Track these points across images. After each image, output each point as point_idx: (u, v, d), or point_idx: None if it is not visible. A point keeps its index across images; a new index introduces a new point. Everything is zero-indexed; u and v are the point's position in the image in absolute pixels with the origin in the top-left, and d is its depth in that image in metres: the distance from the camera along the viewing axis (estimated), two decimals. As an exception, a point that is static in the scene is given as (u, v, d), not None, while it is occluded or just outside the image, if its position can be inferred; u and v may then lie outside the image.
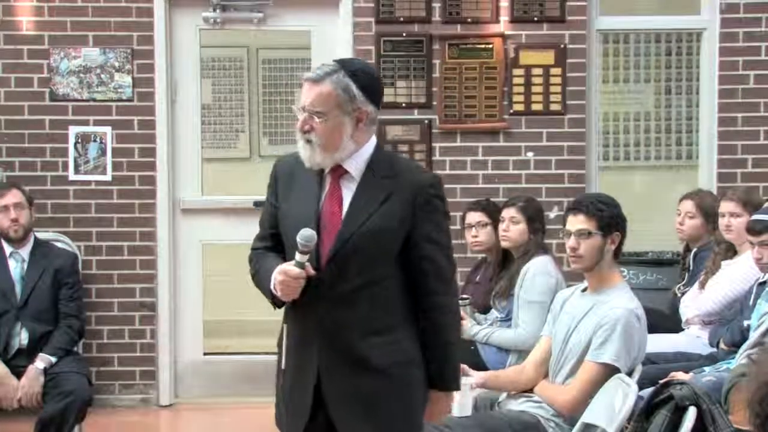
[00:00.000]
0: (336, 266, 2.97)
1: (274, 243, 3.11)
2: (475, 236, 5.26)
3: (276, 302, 3.04)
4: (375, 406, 3.01)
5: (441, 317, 3.06)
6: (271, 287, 2.98)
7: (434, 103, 6.14)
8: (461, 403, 3.84)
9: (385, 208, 3.00)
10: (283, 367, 3.06)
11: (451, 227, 5.52)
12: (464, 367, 3.96)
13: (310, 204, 3.02)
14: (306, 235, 2.90)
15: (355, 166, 3.03)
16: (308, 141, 2.99)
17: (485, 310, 5.24)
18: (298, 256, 2.92)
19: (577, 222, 3.97)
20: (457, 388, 3.18)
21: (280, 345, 3.11)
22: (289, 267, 2.93)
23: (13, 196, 5.28)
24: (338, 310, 2.98)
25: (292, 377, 3.06)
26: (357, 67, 3.06)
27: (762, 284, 4.69)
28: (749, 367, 2.00)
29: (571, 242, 3.97)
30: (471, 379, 3.98)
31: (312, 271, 2.94)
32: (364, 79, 3.01)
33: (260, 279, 3.07)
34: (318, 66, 3.06)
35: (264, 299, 3.11)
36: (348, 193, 3.02)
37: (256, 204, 6.33)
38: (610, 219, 3.96)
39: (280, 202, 3.09)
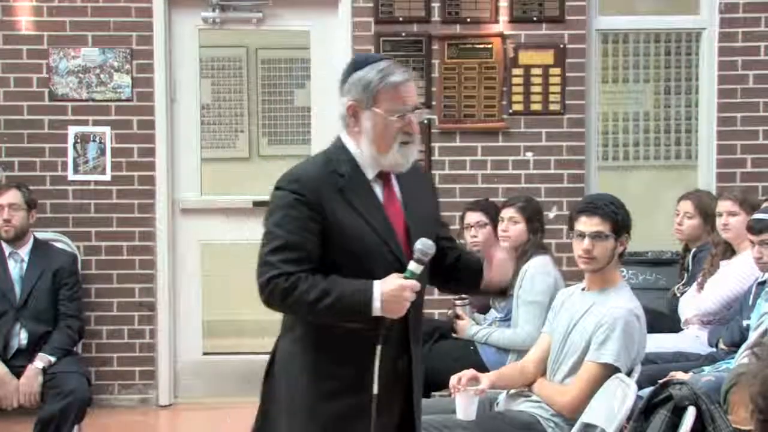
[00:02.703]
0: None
1: (315, 265, 2.88)
2: (474, 236, 5.25)
3: (367, 323, 2.86)
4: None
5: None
6: (376, 307, 2.82)
7: (433, 103, 6.14)
8: (466, 408, 3.83)
9: (427, 200, 3.11)
10: (375, 391, 2.88)
11: (450, 227, 5.56)
12: (475, 373, 3.96)
13: (377, 212, 2.94)
14: (429, 244, 2.86)
15: None
16: (413, 142, 2.98)
17: (484, 310, 5.24)
18: (414, 267, 2.86)
19: (592, 224, 3.95)
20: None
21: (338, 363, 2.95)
22: (409, 281, 2.84)
23: (11, 197, 5.28)
24: (417, 319, 3.01)
25: (383, 398, 2.92)
26: None
27: (761, 284, 4.70)
28: (752, 363, 2.00)
29: (585, 244, 3.95)
30: (477, 385, 3.96)
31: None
32: None
33: (343, 303, 2.83)
34: (388, 66, 2.98)
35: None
36: (398, 192, 3.02)
37: (256, 204, 6.35)
38: (623, 221, 3.97)
39: (329, 219, 2.89)
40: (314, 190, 2.90)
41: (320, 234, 2.88)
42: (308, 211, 2.88)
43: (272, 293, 2.89)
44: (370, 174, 2.98)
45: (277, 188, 2.96)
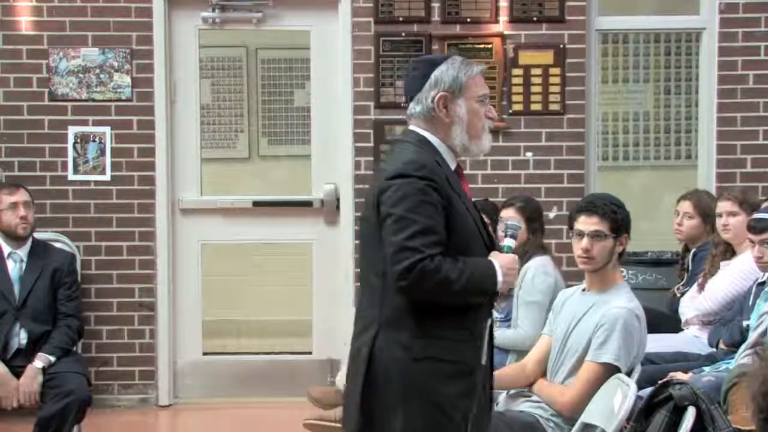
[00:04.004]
0: None
1: (445, 248, 3.01)
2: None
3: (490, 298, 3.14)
4: None
5: None
6: (499, 280, 3.06)
7: (433, 103, 6.12)
8: None
9: None
10: (483, 362, 3.11)
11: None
12: None
13: (468, 199, 3.15)
14: (516, 218, 3.27)
15: None
16: (491, 127, 3.21)
17: (484, 310, 5.23)
18: (510, 242, 3.20)
19: (591, 223, 3.96)
20: None
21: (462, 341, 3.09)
22: (513, 255, 3.15)
23: (23, 195, 5.31)
24: None
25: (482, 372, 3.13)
26: None
27: (761, 284, 4.70)
28: (754, 363, 2.00)
29: (584, 243, 3.95)
30: None
31: None
32: None
33: (476, 279, 3.03)
34: (464, 59, 3.20)
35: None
36: None
37: (256, 204, 6.35)
38: (622, 221, 3.97)
39: (448, 203, 3.05)
40: (438, 176, 3.04)
41: (446, 217, 3.03)
42: (437, 196, 3.01)
43: (420, 276, 2.94)
44: (452, 165, 3.15)
45: (399, 176, 3.02)
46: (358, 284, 6.06)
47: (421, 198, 2.98)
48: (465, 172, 6.09)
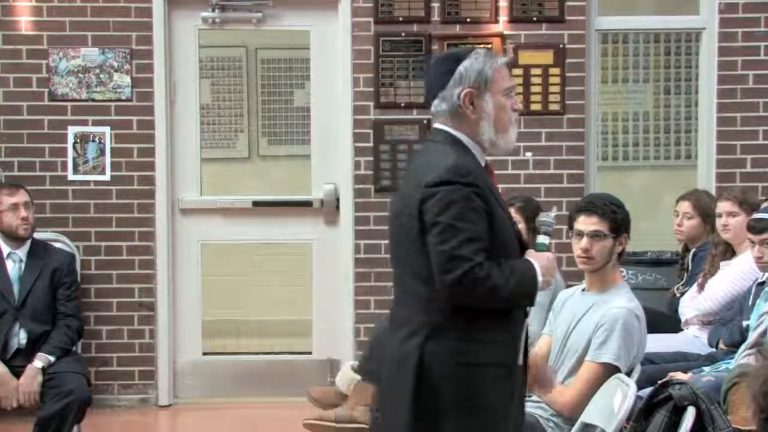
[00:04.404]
0: None
1: (489, 252, 3.01)
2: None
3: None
4: None
5: None
6: (539, 281, 3.05)
7: (433, 103, 6.12)
8: None
9: None
10: (520, 362, 3.10)
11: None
12: None
13: (502, 199, 3.13)
14: (550, 215, 3.27)
15: None
16: (518, 120, 3.20)
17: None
18: (544, 239, 3.20)
19: (590, 223, 3.96)
20: None
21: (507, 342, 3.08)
22: (549, 253, 3.15)
23: (24, 195, 5.30)
24: None
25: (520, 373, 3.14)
26: None
27: (761, 284, 4.70)
28: (756, 362, 2.01)
29: (583, 243, 3.96)
30: None
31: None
32: None
33: (520, 282, 3.02)
34: (487, 51, 3.17)
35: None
36: None
37: (255, 204, 6.35)
38: (622, 221, 3.97)
39: (489, 208, 3.03)
40: (482, 182, 3.02)
41: (487, 222, 3.01)
42: (481, 201, 2.99)
43: (472, 285, 2.93)
44: (482, 163, 3.12)
45: (444, 183, 2.98)
46: (360, 284, 6.09)
47: (467, 205, 2.96)
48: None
